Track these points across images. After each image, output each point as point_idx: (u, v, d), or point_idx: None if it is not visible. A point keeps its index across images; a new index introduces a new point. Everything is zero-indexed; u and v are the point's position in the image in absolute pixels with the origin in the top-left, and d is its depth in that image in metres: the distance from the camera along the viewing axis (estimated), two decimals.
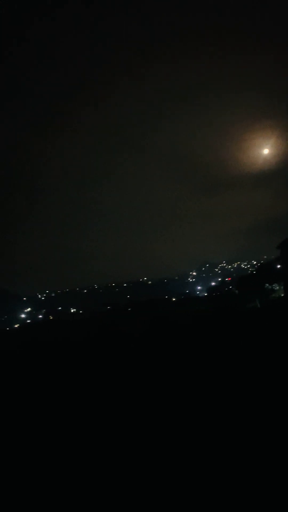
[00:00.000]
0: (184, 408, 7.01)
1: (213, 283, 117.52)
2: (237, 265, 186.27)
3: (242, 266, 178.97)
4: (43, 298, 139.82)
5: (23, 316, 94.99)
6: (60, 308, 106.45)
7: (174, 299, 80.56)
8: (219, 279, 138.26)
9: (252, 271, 78.99)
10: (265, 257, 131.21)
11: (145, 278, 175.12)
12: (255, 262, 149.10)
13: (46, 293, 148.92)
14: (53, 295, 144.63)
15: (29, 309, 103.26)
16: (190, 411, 6.80)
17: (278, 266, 55.72)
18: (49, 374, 11.64)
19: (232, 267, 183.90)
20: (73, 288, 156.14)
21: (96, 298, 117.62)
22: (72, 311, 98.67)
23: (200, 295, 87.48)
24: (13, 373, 12.50)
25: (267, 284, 50.92)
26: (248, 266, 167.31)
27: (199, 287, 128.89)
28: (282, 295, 49.82)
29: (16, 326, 68.17)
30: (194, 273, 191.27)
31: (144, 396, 8.14)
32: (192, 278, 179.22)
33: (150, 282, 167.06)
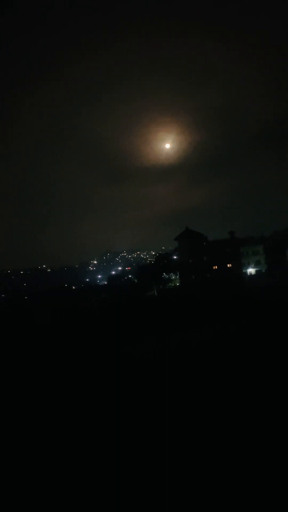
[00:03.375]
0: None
1: (113, 272, 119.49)
2: (137, 255, 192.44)
3: (142, 256, 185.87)
4: None
5: None
6: None
7: (74, 287, 79.55)
8: (120, 268, 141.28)
9: (151, 261, 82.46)
10: (163, 248, 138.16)
11: (44, 266, 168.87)
12: (154, 253, 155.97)
13: None
14: None
15: None
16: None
17: (175, 257, 59.37)
18: None
19: (133, 257, 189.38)
20: None
21: None
22: None
23: (101, 283, 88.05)
24: None
25: (165, 274, 53.93)
26: (148, 256, 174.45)
27: (99, 276, 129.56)
28: (178, 284, 53.39)
29: None
30: (95, 262, 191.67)
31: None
32: (92, 267, 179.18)
33: (49, 270, 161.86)
